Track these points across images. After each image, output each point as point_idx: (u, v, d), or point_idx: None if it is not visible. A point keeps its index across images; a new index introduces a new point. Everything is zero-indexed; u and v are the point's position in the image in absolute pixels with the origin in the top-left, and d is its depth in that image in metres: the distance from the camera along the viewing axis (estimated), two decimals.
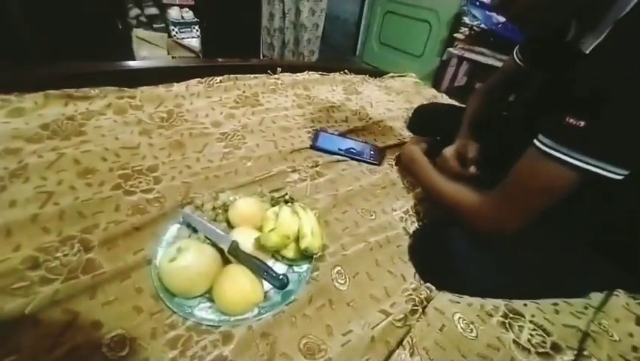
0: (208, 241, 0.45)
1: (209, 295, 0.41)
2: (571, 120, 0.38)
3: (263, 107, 0.93)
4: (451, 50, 2.37)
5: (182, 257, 0.40)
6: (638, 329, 0.47)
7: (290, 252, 0.47)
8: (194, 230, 0.48)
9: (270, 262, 0.46)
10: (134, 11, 2.04)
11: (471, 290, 0.49)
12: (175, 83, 0.93)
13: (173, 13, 2.18)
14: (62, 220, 0.48)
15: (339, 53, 3.95)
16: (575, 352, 0.42)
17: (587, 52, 0.42)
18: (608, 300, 0.51)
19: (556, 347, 0.43)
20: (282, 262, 0.48)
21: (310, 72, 1.22)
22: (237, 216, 0.50)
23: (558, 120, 0.39)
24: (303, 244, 0.46)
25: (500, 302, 0.48)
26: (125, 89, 0.84)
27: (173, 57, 2.17)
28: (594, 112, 0.37)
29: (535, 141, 0.42)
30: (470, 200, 0.52)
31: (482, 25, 2.05)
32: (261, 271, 0.40)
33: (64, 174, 0.56)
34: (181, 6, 2.23)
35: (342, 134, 0.87)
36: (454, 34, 2.36)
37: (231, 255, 0.42)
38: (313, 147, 0.79)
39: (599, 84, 0.37)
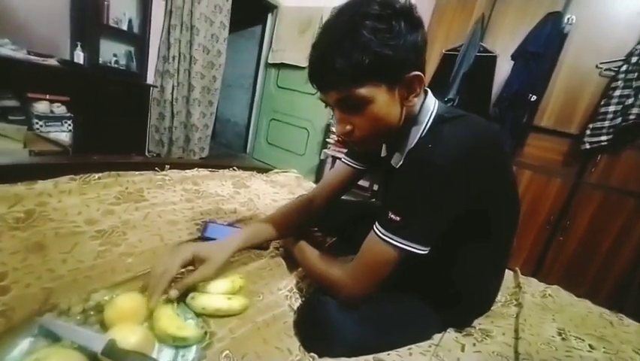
0: (76, 346, 0.41)
1: None
2: (392, 216, 0.55)
3: (148, 203, 0.92)
4: (326, 151, 2.89)
5: None
6: (462, 354, 0.62)
7: (184, 330, 0.48)
8: (57, 339, 0.43)
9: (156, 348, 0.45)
10: None
11: (346, 351, 0.57)
12: (39, 181, 0.85)
13: (41, 107, 2.04)
14: None
15: (231, 150, 4.23)
16: None
17: (397, 167, 0.65)
18: (443, 337, 0.67)
19: None
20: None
21: (200, 169, 1.30)
22: (116, 314, 0.47)
23: (386, 214, 0.56)
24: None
25: (369, 357, 0.57)
26: None
27: (31, 151, 1.92)
28: (404, 212, 0.55)
29: (374, 227, 0.58)
30: (334, 273, 0.63)
31: None
32: None
33: None
34: (52, 101, 2.11)
35: (231, 224, 0.93)
36: (327, 139, 2.93)
37: (106, 356, 0.39)
38: (202, 238, 0.82)
39: (404, 193, 0.57)
